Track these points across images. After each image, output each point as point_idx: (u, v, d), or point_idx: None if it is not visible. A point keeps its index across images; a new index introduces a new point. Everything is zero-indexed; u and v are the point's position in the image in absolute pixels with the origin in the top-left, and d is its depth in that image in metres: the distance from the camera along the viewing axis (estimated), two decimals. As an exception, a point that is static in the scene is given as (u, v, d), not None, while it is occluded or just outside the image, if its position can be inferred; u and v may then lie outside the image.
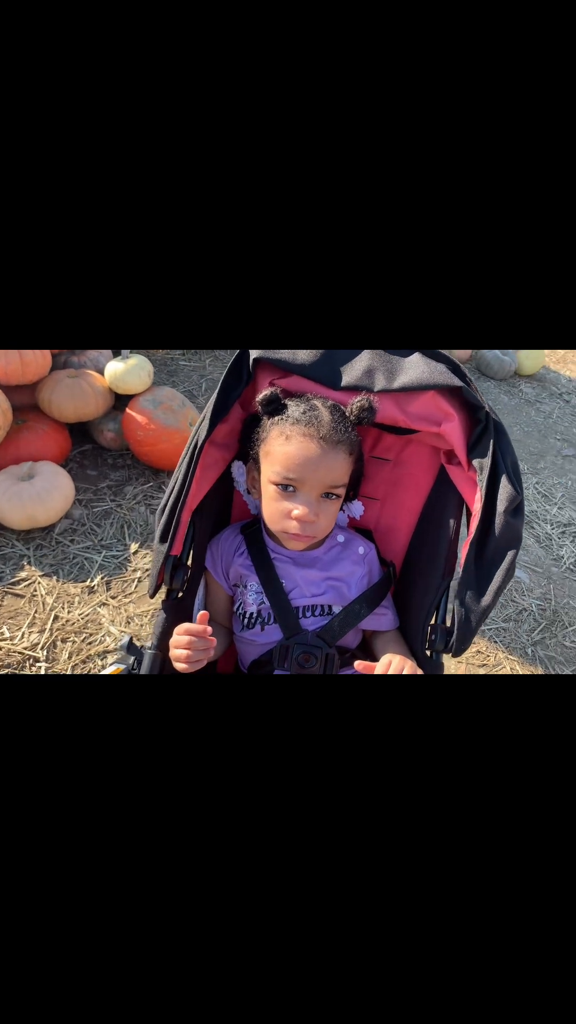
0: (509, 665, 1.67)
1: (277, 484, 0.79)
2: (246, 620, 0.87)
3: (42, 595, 1.55)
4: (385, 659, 0.74)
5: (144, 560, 1.68)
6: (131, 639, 0.77)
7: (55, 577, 1.59)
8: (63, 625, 1.49)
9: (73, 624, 1.50)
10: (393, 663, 0.73)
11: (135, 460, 1.94)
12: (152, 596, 0.79)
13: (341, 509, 0.92)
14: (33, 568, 1.60)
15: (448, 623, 0.85)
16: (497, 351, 3.04)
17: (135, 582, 1.62)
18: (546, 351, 3.35)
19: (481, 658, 1.69)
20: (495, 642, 1.72)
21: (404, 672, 0.72)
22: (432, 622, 0.86)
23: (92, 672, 1.41)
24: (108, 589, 1.60)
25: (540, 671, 1.67)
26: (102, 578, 1.61)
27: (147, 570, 1.66)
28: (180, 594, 0.82)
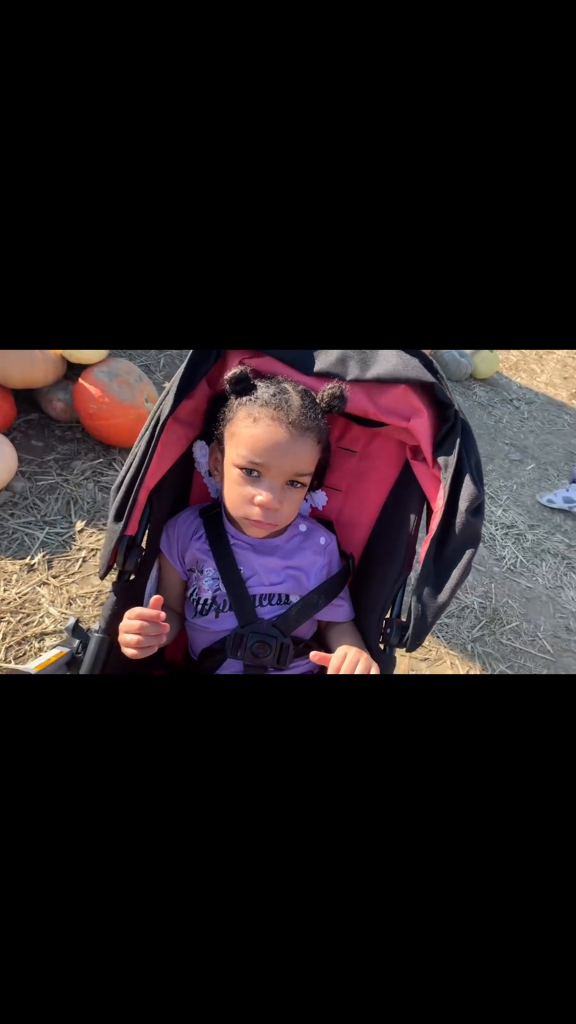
0: (450, 660, 1.72)
1: (241, 468, 0.76)
2: (200, 606, 0.84)
3: (-24, 571, 1.45)
4: (341, 651, 0.74)
5: (90, 539, 1.61)
6: (77, 621, 0.72)
7: (-9, 552, 1.49)
8: (-2, 603, 1.41)
9: (9, 603, 1.42)
10: (349, 655, 0.73)
11: (85, 434, 1.84)
12: (103, 577, 0.75)
13: (304, 498, 0.90)
14: (-33, 541, 1.49)
15: (404, 618, 0.86)
16: (455, 353, 3.11)
17: (79, 562, 1.55)
18: (500, 357, 3.46)
19: (423, 652, 1.74)
20: (437, 637, 1.77)
21: (359, 663, 0.72)
22: (388, 616, 0.87)
23: (28, 654, 1.33)
24: (50, 568, 1.52)
25: (478, 667, 1.73)
26: (43, 556, 1.53)
27: (92, 549, 1.59)
28: (132, 576, 0.78)
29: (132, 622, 0.70)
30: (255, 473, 0.76)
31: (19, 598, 1.44)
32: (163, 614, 0.70)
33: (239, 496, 0.78)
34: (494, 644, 1.79)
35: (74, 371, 1.79)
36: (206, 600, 0.84)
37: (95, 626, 0.73)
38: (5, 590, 1.44)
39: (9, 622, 1.39)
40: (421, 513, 0.87)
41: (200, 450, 0.91)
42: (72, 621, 0.72)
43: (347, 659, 0.72)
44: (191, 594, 0.86)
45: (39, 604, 1.45)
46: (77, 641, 0.72)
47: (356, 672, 0.71)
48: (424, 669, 1.69)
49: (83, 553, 1.57)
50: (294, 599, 0.85)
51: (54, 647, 0.73)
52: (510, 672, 1.74)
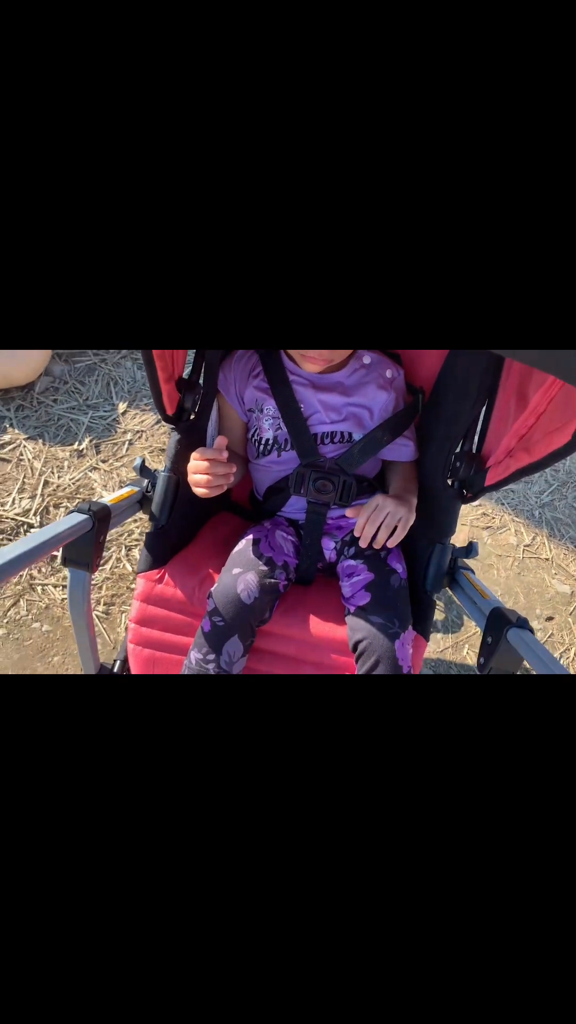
0: (515, 527, 1.73)
1: None
2: (262, 446, 0.86)
3: (29, 459, 1.52)
4: (372, 501, 0.77)
5: (133, 421, 1.64)
6: (143, 460, 0.76)
7: (41, 440, 1.55)
8: (54, 491, 1.49)
9: (64, 489, 1.49)
10: (379, 504, 0.76)
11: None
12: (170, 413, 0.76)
13: None
14: (16, 431, 1.55)
15: (475, 451, 0.85)
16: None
17: (126, 445, 1.60)
18: None
19: (486, 520, 1.74)
20: (502, 504, 1.76)
21: (385, 512, 0.76)
22: (458, 450, 0.86)
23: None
24: (98, 452, 1.57)
25: (545, 533, 1.73)
26: (91, 441, 1.58)
27: (138, 431, 1.63)
28: (192, 416, 0.80)
29: (199, 462, 0.72)
30: None
31: (73, 484, 1.51)
32: (227, 453, 0.73)
33: None
34: (565, 509, 1.78)
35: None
36: (267, 440, 0.85)
37: (162, 467, 0.77)
38: (59, 477, 1.51)
39: (67, 507, 1.47)
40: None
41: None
42: (139, 460, 0.75)
43: (376, 507, 0.76)
44: (252, 434, 0.88)
45: (92, 489, 1.52)
46: (146, 480, 0.75)
47: (381, 524, 0.75)
48: (485, 537, 1.71)
49: (128, 436, 1.62)
50: (356, 438, 0.85)
51: (124, 486, 0.77)
52: (581, 537, 1.74)
